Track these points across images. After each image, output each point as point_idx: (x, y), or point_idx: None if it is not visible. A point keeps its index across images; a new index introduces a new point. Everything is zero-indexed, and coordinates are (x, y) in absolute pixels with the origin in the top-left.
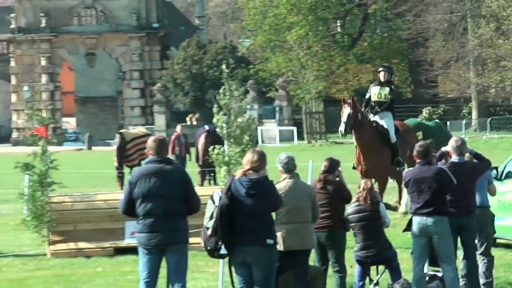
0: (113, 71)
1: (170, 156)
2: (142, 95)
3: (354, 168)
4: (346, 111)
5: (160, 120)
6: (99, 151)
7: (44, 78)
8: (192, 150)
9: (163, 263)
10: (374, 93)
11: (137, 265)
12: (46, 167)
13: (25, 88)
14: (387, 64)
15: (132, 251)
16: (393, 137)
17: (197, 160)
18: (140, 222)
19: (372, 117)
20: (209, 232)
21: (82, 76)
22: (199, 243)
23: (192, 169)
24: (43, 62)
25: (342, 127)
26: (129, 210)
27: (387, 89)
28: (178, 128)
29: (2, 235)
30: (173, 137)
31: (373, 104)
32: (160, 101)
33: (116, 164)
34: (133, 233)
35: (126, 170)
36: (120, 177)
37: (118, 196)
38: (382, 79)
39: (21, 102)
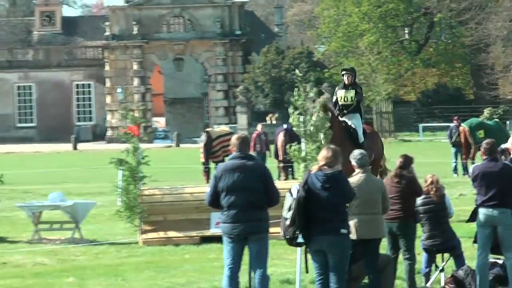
0: (199, 74)
1: (252, 152)
2: (225, 96)
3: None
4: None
5: (242, 119)
6: (187, 148)
7: (136, 81)
8: (271, 147)
9: (246, 251)
10: (340, 96)
11: (222, 253)
12: (138, 162)
13: (119, 90)
14: (350, 67)
15: (217, 240)
16: (361, 137)
17: (276, 156)
18: (224, 213)
19: (341, 118)
20: (287, 222)
21: (171, 79)
22: (279, 233)
23: (272, 164)
24: (135, 67)
25: None
26: (214, 202)
27: (352, 92)
28: (259, 127)
29: (98, 224)
30: (254, 135)
31: (340, 107)
32: (242, 102)
33: (202, 159)
34: (218, 223)
35: (211, 165)
36: (206, 172)
37: (204, 189)
38: (346, 81)
39: (115, 103)
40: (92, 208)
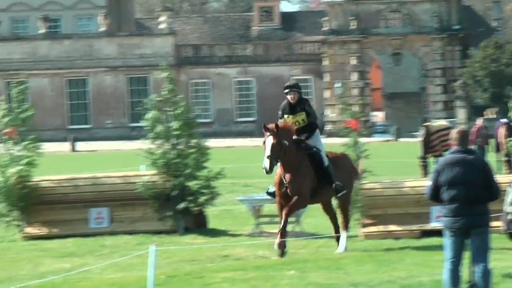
0: (417, 69)
1: (472, 147)
2: (444, 91)
3: (270, 194)
4: (268, 141)
5: (461, 114)
6: (405, 142)
7: (354, 76)
8: (491, 141)
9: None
10: (289, 122)
11: (442, 247)
12: (357, 156)
13: (337, 85)
14: (292, 82)
15: (437, 234)
16: (325, 161)
17: (497, 150)
18: (445, 207)
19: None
20: (509, 217)
21: (389, 74)
22: (500, 227)
23: (491, 158)
24: (353, 61)
25: (266, 163)
26: (435, 196)
27: (302, 115)
28: (480, 121)
29: (319, 218)
30: (474, 129)
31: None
32: (460, 96)
33: (421, 154)
34: (438, 217)
35: (430, 159)
36: (424, 166)
37: (424, 183)
38: (292, 101)
39: (333, 98)
40: None
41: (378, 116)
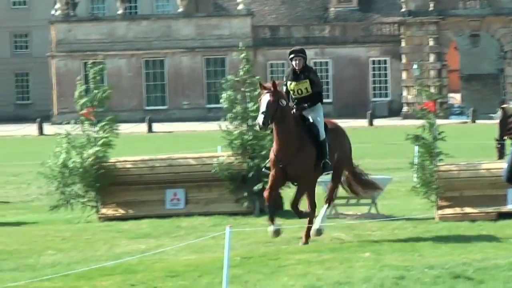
0: (495, 50)
1: None
2: None
3: (267, 168)
4: (265, 98)
5: None
6: (482, 124)
7: (431, 57)
8: None
9: None
10: (292, 89)
11: None
12: (434, 138)
13: (415, 66)
14: (298, 47)
15: None
16: (322, 134)
17: None
18: None
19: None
20: None
21: (467, 55)
22: None
23: None
24: (431, 43)
25: (260, 119)
26: (511, 178)
27: (306, 83)
28: None
29: (395, 200)
30: None
31: (295, 101)
32: None
33: (497, 136)
34: None
35: (506, 142)
36: (500, 148)
37: (500, 165)
38: (297, 67)
39: (410, 79)
40: (388, 184)
41: (455, 98)
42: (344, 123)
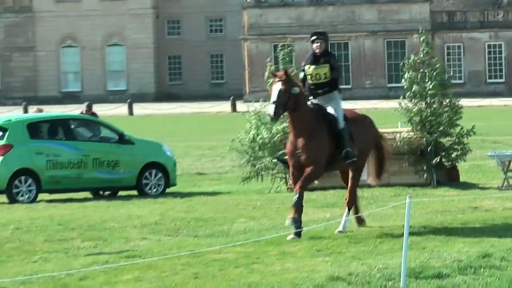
0: None
1: None
2: None
3: (279, 159)
4: (276, 87)
5: None
6: None
7: None
8: None
9: None
10: (310, 73)
11: None
12: None
13: None
14: (321, 30)
15: None
16: (341, 123)
17: None
18: None
19: (314, 101)
20: None
21: None
22: None
23: None
24: None
25: (271, 109)
26: None
27: (325, 67)
28: None
29: None
30: None
31: (311, 86)
32: None
33: None
34: None
35: None
36: None
37: None
38: (317, 51)
39: None
40: None
41: None
42: None
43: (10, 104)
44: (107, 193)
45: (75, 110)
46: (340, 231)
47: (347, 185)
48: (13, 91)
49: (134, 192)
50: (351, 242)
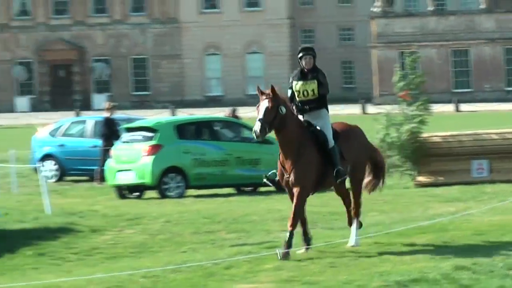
0: None
1: None
2: None
3: (268, 179)
4: (263, 104)
5: None
6: None
7: None
8: None
9: None
10: (298, 90)
11: None
12: None
13: None
14: (308, 45)
15: None
16: (331, 142)
17: None
18: None
19: (301, 118)
20: None
21: None
22: None
23: None
24: None
25: (257, 127)
26: None
27: (313, 84)
28: None
29: None
30: None
31: (298, 104)
32: None
33: None
34: None
35: None
36: None
37: None
38: (306, 66)
39: None
40: None
41: None
42: None
43: (159, 108)
44: (249, 189)
45: (218, 113)
46: (352, 246)
47: (343, 201)
48: (162, 95)
49: (273, 188)
50: (474, 234)
